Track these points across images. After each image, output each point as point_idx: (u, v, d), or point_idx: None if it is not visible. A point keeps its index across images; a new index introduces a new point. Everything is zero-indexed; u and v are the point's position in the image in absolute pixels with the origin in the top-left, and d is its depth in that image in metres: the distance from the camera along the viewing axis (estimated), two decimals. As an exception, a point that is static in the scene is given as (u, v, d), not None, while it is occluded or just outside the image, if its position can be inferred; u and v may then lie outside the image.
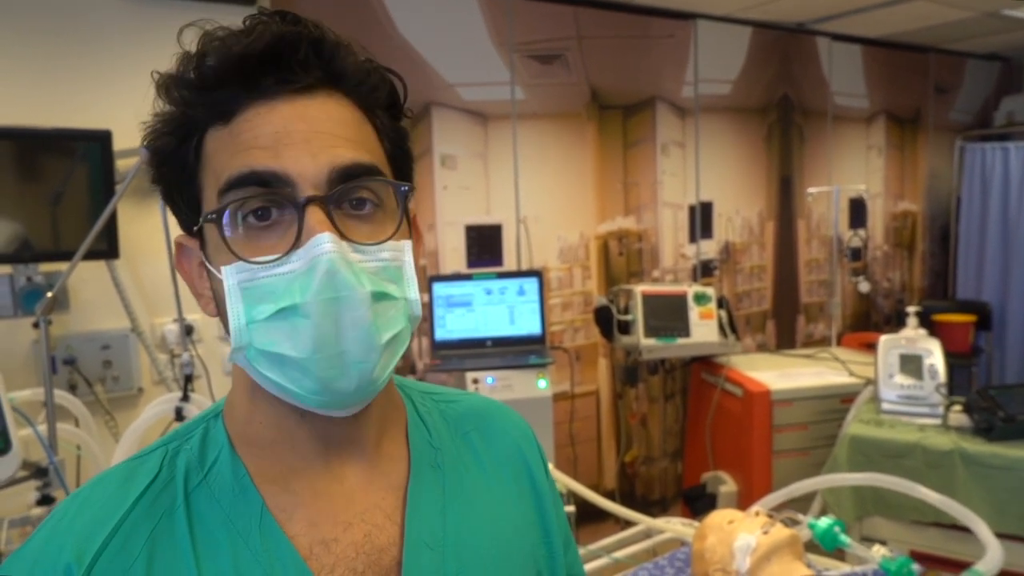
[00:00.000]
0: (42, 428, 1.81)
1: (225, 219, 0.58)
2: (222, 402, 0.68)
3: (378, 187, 0.61)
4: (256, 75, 0.58)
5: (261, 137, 0.58)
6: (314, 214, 0.57)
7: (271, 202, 0.58)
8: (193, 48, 0.60)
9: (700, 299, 2.94)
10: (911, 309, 2.66)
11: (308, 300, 0.56)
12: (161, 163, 0.62)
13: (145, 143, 0.63)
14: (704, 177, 3.53)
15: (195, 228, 0.62)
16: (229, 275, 0.58)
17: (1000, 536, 1.62)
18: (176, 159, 0.61)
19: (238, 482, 0.62)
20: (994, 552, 1.54)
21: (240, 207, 0.58)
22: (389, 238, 0.61)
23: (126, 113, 2.23)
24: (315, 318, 0.56)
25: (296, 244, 0.57)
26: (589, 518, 2.75)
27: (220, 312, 0.62)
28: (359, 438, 0.66)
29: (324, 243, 0.56)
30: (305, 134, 0.58)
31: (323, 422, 0.63)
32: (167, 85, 0.61)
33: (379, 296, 0.59)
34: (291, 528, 0.61)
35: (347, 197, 0.59)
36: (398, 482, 0.68)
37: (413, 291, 0.62)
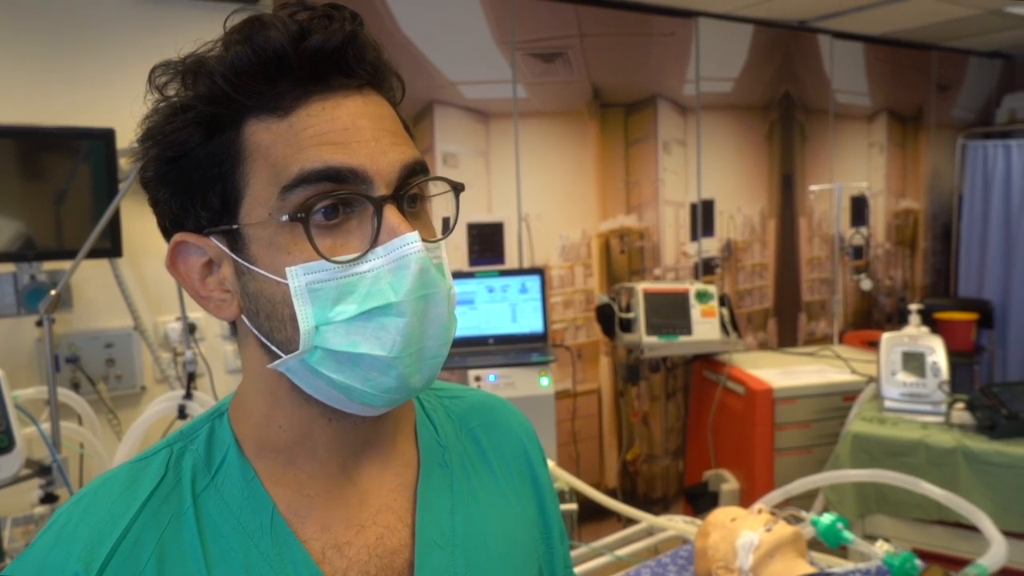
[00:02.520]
0: (45, 426, 1.81)
1: (317, 217, 0.55)
2: (226, 402, 0.66)
3: (423, 184, 0.61)
4: (326, 70, 0.57)
5: (331, 133, 0.56)
6: (393, 213, 0.56)
7: (347, 199, 0.56)
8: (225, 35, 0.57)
9: (702, 297, 2.94)
10: (913, 307, 2.66)
11: (402, 299, 0.55)
12: (176, 158, 0.57)
13: (152, 137, 0.58)
14: (705, 175, 3.52)
15: (233, 227, 0.57)
16: (296, 276, 0.55)
17: (1003, 534, 1.61)
18: (203, 153, 0.57)
19: (247, 484, 0.61)
20: (998, 547, 1.54)
21: (324, 203, 0.55)
22: (446, 234, 0.62)
23: (129, 111, 2.23)
24: (408, 316, 0.56)
25: (375, 243, 0.56)
26: (591, 516, 2.75)
27: (258, 314, 0.59)
28: (377, 439, 0.66)
29: (413, 242, 0.56)
30: (372, 131, 0.57)
31: (349, 424, 0.62)
32: (204, 70, 0.56)
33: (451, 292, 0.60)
34: (303, 532, 0.61)
35: (410, 194, 0.59)
36: (408, 482, 0.68)
37: (453, 284, 0.63)
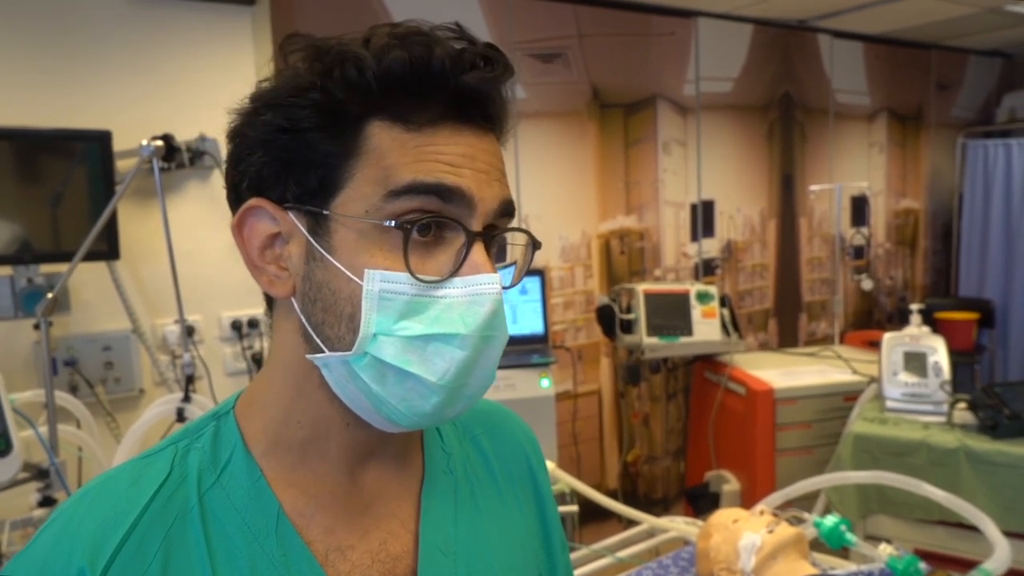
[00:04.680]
0: (43, 429, 1.80)
1: (416, 231, 0.56)
2: (231, 400, 0.66)
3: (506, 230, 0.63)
4: (470, 101, 0.58)
5: (448, 156, 0.57)
6: (481, 251, 0.58)
7: (446, 222, 0.57)
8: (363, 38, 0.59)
9: (702, 298, 2.93)
10: (914, 306, 2.65)
11: (470, 333, 0.56)
12: (288, 130, 0.57)
13: (270, 100, 0.58)
14: (705, 175, 3.52)
15: (324, 212, 0.57)
16: (372, 280, 0.56)
17: (1006, 534, 1.60)
18: (319, 136, 0.57)
19: (253, 484, 0.60)
20: (1002, 550, 1.53)
21: (424, 218, 0.56)
22: (513, 283, 0.64)
23: (125, 114, 2.23)
24: (469, 351, 0.57)
25: (456, 272, 0.57)
26: (592, 517, 2.74)
27: (314, 303, 0.58)
28: (386, 446, 0.66)
29: (494, 283, 0.57)
30: (484, 165, 0.59)
31: (365, 431, 0.62)
32: (355, 61, 0.56)
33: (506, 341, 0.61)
34: (308, 533, 0.61)
35: (495, 236, 0.61)
36: (412, 488, 0.68)
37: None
